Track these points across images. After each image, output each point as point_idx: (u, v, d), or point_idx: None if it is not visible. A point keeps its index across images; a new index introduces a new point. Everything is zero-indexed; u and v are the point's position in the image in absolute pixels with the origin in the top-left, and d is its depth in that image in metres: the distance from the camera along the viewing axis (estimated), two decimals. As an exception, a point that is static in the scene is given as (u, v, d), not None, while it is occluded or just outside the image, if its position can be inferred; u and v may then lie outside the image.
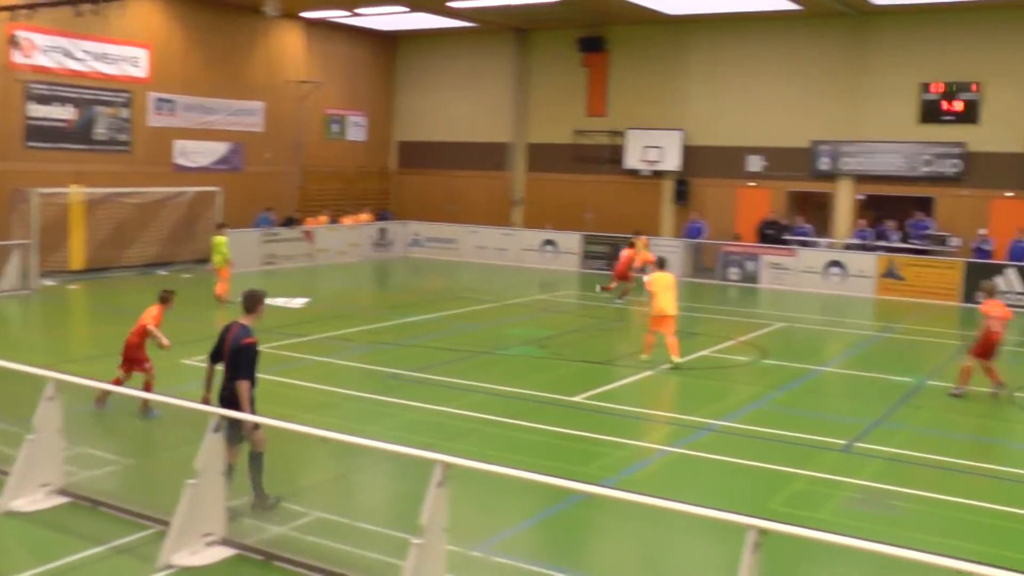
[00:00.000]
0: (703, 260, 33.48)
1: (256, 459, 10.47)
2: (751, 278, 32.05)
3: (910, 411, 16.23)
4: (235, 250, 27.79)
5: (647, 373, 18.33)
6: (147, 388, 14.18)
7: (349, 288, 30.16)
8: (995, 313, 17.02)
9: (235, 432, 10.20)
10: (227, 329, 10.70)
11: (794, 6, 30.74)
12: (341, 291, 29.02)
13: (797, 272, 31.40)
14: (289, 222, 35.10)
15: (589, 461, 12.95)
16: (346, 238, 36.69)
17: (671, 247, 33.67)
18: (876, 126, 31.85)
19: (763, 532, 7.06)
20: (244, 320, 10.73)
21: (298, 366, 18.18)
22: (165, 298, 15.14)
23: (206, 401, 10.62)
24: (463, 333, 22.30)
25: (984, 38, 30.25)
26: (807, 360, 20.40)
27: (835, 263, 30.96)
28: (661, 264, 20.27)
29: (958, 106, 30.68)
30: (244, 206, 34.05)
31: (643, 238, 28.83)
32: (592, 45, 36.44)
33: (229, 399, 10.40)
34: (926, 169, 31.12)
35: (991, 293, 17.78)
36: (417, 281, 33.00)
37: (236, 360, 10.47)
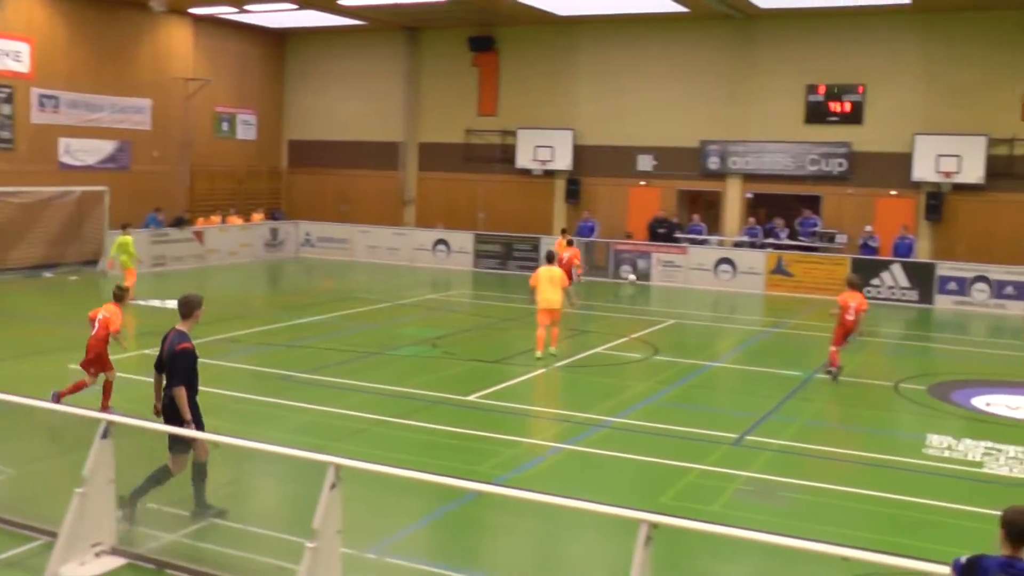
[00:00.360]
0: (595, 258, 33.76)
1: (199, 469, 10.26)
2: (643, 276, 32.45)
3: (799, 404, 16.61)
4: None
5: (540, 371, 18.44)
6: (108, 389, 14.34)
7: (240, 289, 29.78)
8: (850, 303, 18.34)
9: (180, 442, 10.00)
10: (165, 336, 10.53)
11: (681, 8, 31.17)
12: (232, 292, 28.63)
13: (688, 269, 31.91)
14: (178, 222, 34.44)
15: (482, 460, 12.98)
16: (237, 239, 36.21)
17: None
18: (764, 126, 32.51)
19: (654, 526, 7.14)
20: (180, 326, 10.51)
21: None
22: (119, 296, 14.92)
23: (157, 412, 10.45)
24: (355, 334, 22.17)
25: (869, 41, 31.10)
26: (698, 356, 20.76)
27: (725, 260, 31.53)
28: (549, 259, 20.61)
29: (844, 107, 31.48)
30: (132, 206, 33.24)
31: (560, 239, 28.88)
32: (482, 45, 36.50)
33: (169, 406, 10.26)
34: (813, 168, 31.86)
35: (852, 285, 19.04)
36: (309, 282, 32.74)
37: (172, 366, 10.27)
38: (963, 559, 5.96)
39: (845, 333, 18.36)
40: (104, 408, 14.03)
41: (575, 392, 17.45)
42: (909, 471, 13.02)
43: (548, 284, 19.28)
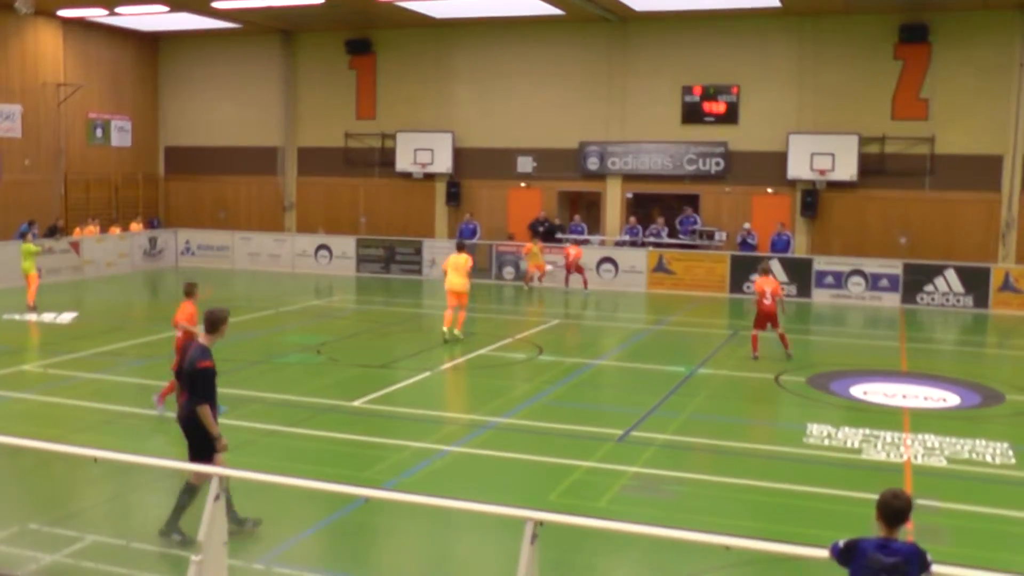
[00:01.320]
0: (477, 260, 33.78)
1: (189, 490, 9.89)
2: (523, 277, 32.61)
3: (683, 399, 16.90)
4: None
5: (426, 374, 18.47)
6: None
7: (119, 300, 29.14)
8: (765, 288, 19.61)
9: (204, 456, 9.74)
10: (184, 347, 10.24)
11: (557, 11, 31.46)
12: (111, 304, 28.03)
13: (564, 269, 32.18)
14: (52, 232, 33.52)
15: (370, 465, 12.96)
16: (115, 248, 35.38)
17: (446, 248, 33.95)
18: (642, 127, 32.99)
19: (540, 523, 7.24)
20: (204, 340, 10.20)
21: (69, 384, 17.49)
22: (190, 291, 14.88)
23: (222, 445, 10.04)
24: (239, 342, 21.85)
25: (742, 43, 31.79)
26: (583, 355, 21.02)
27: (607, 260, 31.88)
28: (459, 247, 22.10)
29: (719, 107, 32.10)
30: (3, 217, 32.33)
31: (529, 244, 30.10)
32: (359, 47, 36.33)
33: (187, 418, 10.01)
34: (691, 168, 32.43)
35: (765, 271, 20.33)
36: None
37: (193, 383, 9.99)
38: (841, 543, 6.21)
39: (764, 318, 19.60)
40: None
41: (461, 394, 17.56)
42: (791, 460, 13.40)
43: (452, 270, 21.62)
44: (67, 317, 24.82)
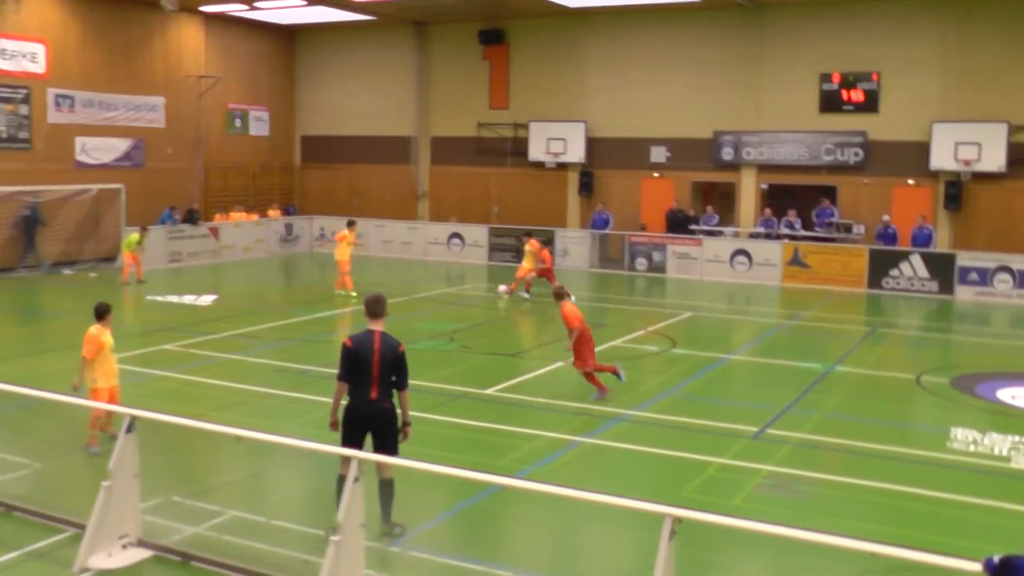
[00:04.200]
0: (610, 251, 33.74)
1: (385, 485, 9.86)
2: (658, 268, 32.39)
3: (819, 397, 16.53)
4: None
5: (558, 364, 18.40)
6: None
7: (256, 284, 29.82)
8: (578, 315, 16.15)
9: (386, 447, 9.68)
10: (362, 342, 9.83)
11: (692, -2, 31.13)
12: (248, 288, 28.68)
13: (703, 261, 31.81)
14: (190, 218, 34.51)
15: (503, 453, 12.99)
16: (252, 234, 36.28)
17: (578, 238, 33.98)
18: (778, 116, 32.37)
19: (678, 520, 7.15)
20: (376, 326, 9.97)
21: (208, 364, 17.95)
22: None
23: (334, 426, 9.87)
24: (373, 328, 22.16)
25: (883, 28, 30.84)
26: (716, 349, 20.69)
27: (741, 252, 31.42)
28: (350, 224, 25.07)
29: (858, 95, 31.28)
30: (147, 203, 33.46)
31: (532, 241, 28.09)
32: (492, 38, 36.45)
33: (385, 413, 9.81)
34: (828, 158, 31.69)
35: (561, 296, 16.67)
36: (324, 276, 32.70)
37: (399, 369, 9.82)
38: (996, 558, 5.81)
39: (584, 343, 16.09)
40: None
41: (593, 385, 17.40)
42: (932, 465, 12.92)
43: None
44: (207, 299, 25.52)
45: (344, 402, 9.88)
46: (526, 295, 26.61)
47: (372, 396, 9.74)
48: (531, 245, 27.39)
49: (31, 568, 9.27)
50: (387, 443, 9.74)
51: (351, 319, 23.45)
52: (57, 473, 12.20)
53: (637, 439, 13.64)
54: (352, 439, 9.65)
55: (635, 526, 9.88)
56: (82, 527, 9.42)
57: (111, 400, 12.13)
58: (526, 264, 27.16)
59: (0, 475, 11.65)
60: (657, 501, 7.47)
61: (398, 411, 9.94)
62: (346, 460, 9.21)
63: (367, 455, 8.41)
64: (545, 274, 26.95)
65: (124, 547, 9.40)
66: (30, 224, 30.62)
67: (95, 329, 12.38)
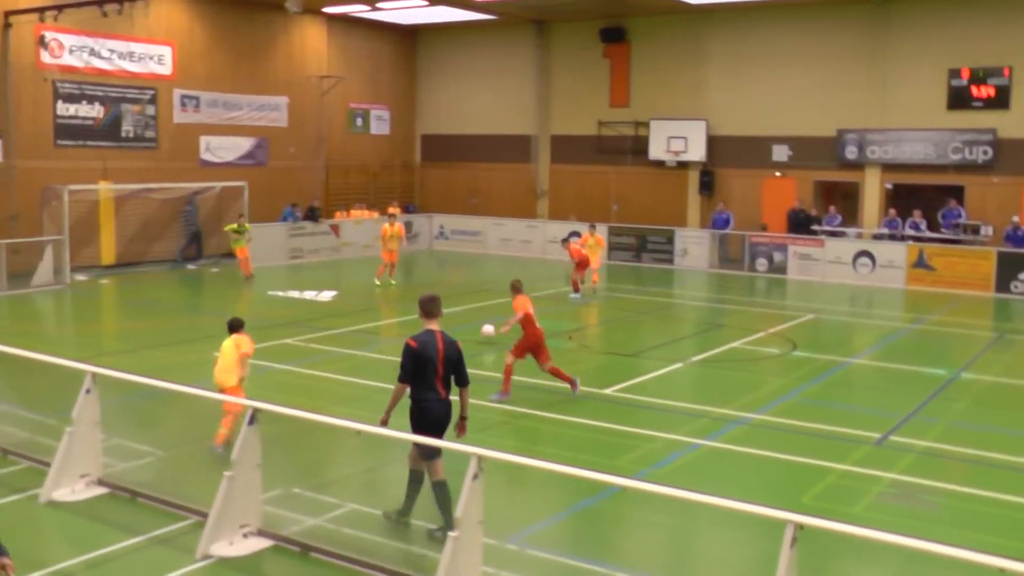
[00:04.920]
0: (730, 251, 33.35)
1: (440, 488, 9.83)
2: (779, 269, 31.87)
3: (944, 404, 16.03)
4: (261, 244, 30.65)
5: (677, 365, 18.26)
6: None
7: (374, 282, 30.16)
8: (528, 310, 15.82)
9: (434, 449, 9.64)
10: (427, 343, 9.94)
11: (817, -7, 30.56)
12: (367, 284, 29.00)
13: (825, 263, 31.18)
14: (311, 215, 35.15)
15: (620, 454, 12.90)
16: (372, 231, 36.63)
17: (698, 238, 33.66)
18: (903, 113, 31.55)
19: (800, 527, 7.00)
20: (434, 326, 10.16)
21: (327, 359, 18.23)
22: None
23: (385, 424, 9.89)
24: (490, 326, 22.28)
25: (1014, 21, 29.75)
26: (838, 352, 20.27)
27: (864, 253, 30.72)
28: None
29: (988, 91, 30.32)
30: (269, 200, 34.21)
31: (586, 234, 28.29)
32: (613, 36, 36.34)
33: (448, 412, 9.93)
34: (955, 157, 30.80)
35: (518, 290, 16.20)
36: (442, 274, 33.02)
37: (461, 365, 10.01)
38: None
39: (530, 347, 15.69)
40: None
41: (712, 387, 17.21)
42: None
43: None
44: (327, 295, 25.92)
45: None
46: (576, 294, 26.69)
47: (442, 395, 9.85)
48: (597, 240, 27.82)
49: (155, 553, 9.51)
50: (442, 439, 9.73)
51: (470, 317, 23.56)
52: (180, 462, 12.51)
53: (756, 443, 13.42)
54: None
55: (754, 531, 9.75)
56: (204, 515, 9.64)
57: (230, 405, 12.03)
58: (591, 261, 27.26)
59: (125, 462, 11.99)
60: (778, 507, 7.32)
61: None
62: (417, 457, 9.72)
63: (492, 453, 8.40)
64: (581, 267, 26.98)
65: (245, 536, 9.60)
66: (191, 220, 31.80)
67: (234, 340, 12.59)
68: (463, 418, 10.08)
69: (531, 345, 15.64)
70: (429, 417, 9.74)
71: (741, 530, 10.05)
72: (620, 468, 11.81)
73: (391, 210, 33.32)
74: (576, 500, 11.08)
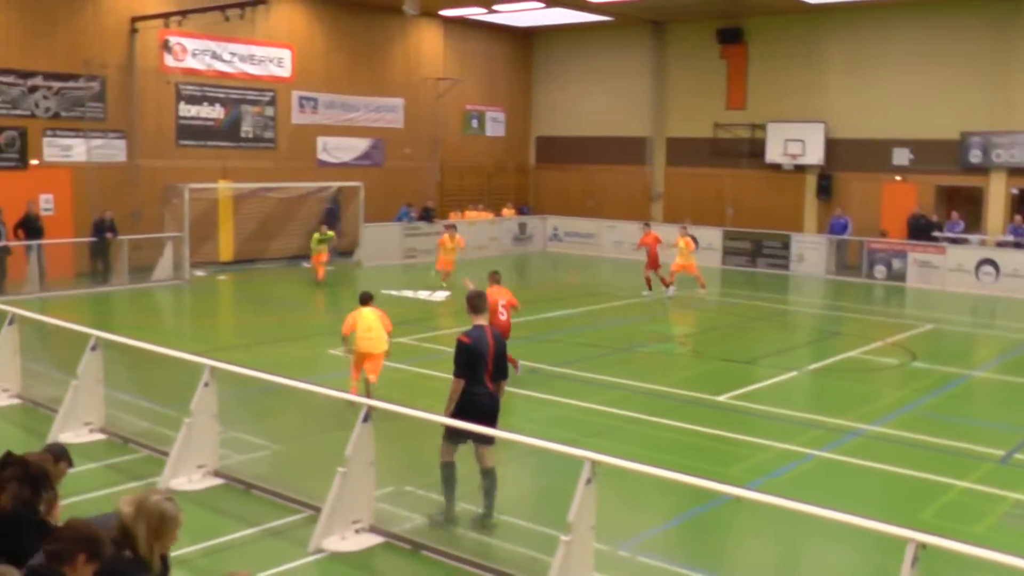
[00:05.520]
0: (847, 257, 32.70)
1: (489, 476, 10.18)
2: (898, 276, 31.13)
3: (1074, 421, 15.45)
4: (377, 244, 31.41)
5: (792, 373, 17.96)
6: None
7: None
8: (499, 299, 16.28)
9: (459, 435, 10.05)
10: (479, 338, 10.22)
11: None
12: (480, 285, 29.11)
13: (946, 271, 30.35)
14: (426, 215, 35.50)
15: (733, 462, 12.73)
16: (485, 232, 36.89)
17: (814, 243, 33.09)
18: (1032, 116, 30.57)
19: (922, 546, 6.77)
20: (482, 320, 10.48)
21: (440, 358, 18.28)
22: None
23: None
24: (602, 328, 22.19)
25: None
26: (959, 364, 19.70)
27: (988, 262, 29.82)
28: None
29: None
30: (385, 201, 34.63)
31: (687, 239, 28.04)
32: (730, 37, 35.95)
33: (495, 404, 10.26)
34: (1087, 162, 29.74)
35: (495, 281, 16.93)
36: (555, 276, 33.03)
37: (504, 359, 10.43)
38: None
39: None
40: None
41: (828, 397, 16.86)
42: None
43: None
44: (440, 295, 26.10)
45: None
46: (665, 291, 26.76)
47: (490, 387, 10.18)
48: (686, 243, 27.52)
49: (268, 544, 9.66)
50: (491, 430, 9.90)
51: (583, 320, 23.50)
52: (294, 456, 12.69)
53: (873, 456, 13.08)
54: (469, 432, 9.83)
55: (870, 548, 9.48)
56: (317, 509, 9.77)
57: (365, 363, 14.37)
58: (680, 260, 27.21)
59: (241, 455, 12.21)
60: (898, 523, 7.11)
61: None
62: (449, 448, 10.07)
63: (605, 458, 8.33)
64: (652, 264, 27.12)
65: (357, 532, 9.69)
66: (332, 217, 32.52)
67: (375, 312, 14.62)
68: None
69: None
70: (479, 409, 9.99)
71: (857, 546, 9.77)
72: (732, 477, 11.63)
73: (452, 217, 33.80)
74: (687, 508, 10.95)
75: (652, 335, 21.45)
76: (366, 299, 14.83)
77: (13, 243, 24.79)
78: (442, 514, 10.20)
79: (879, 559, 9.04)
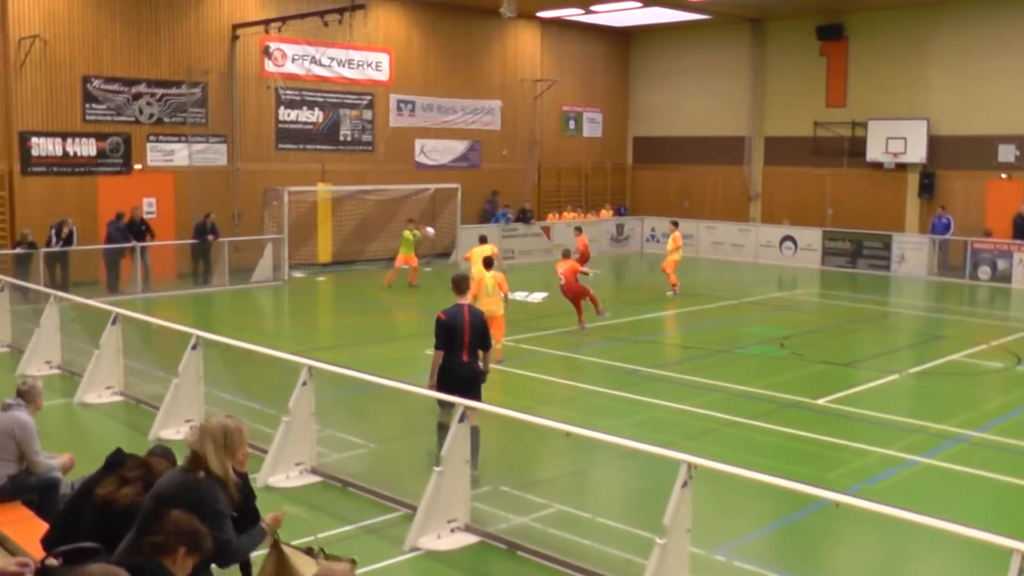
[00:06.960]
0: (950, 258, 31.99)
1: (473, 433, 10.37)
2: (1003, 277, 30.37)
3: None
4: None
5: (893, 376, 17.62)
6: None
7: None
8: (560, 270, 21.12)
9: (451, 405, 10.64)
10: (455, 315, 11.37)
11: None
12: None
13: (1055, 272, 29.56)
14: (523, 217, 35.62)
15: (832, 467, 12.52)
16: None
17: (916, 244, 32.44)
18: None
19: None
20: (463, 300, 11.69)
21: (537, 359, 18.39)
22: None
23: (434, 387, 11.19)
24: (699, 330, 22.03)
25: None
26: (1069, 367, 19.16)
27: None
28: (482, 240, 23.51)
29: None
30: (482, 202, 34.85)
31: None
32: (831, 33, 35.41)
33: (476, 372, 11.38)
34: None
35: (488, 266, 17.95)
36: (653, 277, 32.80)
37: (485, 334, 11.52)
38: None
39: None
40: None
41: (930, 401, 16.52)
42: None
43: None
44: (537, 297, 26.14)
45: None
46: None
47: (464, 359, 11.32)
48: (673, 239, 27.51)
49: (365, 542, 9.76)
50: (475, 397, 10.80)
51: (680, 321, 23.37)
52: (390, 455, 12.85)
53: (978, 463, 12.75)
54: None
55: (973, 558, 9.25)
56: (412, 508, 9.86)
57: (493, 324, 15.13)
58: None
59: (338, 453, 12.39)
60: (1002, 533, 6.93)
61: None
62: (446, 410, 10.74)
63: (701, 461, 8.27)
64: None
65: (452, 531, 9.75)
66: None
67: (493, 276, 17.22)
68: (485, 373, 11.57)
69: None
70: (455, 378, 11.10)
71: (959, 556, 9.57)
72: (831, 482, 11.43)
73: (550, 219, 34.89)
74: (785, 513, 10.82)
75: (750, 337, 21.21)
76: (488, 264, 17.61)
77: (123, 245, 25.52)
78: (434, 455, 10.48)
79: (981, 570, 8.83)
